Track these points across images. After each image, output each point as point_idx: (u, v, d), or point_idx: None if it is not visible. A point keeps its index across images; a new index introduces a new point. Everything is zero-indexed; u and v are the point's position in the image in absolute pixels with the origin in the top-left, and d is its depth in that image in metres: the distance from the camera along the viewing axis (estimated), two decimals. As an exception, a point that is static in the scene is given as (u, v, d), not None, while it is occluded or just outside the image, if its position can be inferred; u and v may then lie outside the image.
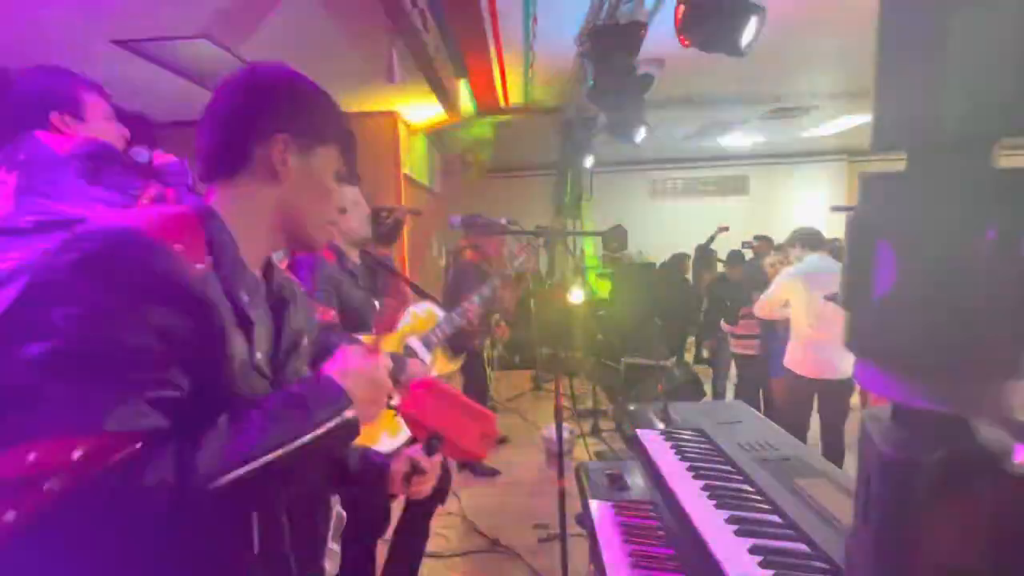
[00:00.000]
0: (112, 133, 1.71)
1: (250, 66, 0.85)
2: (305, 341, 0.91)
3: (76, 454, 0.59)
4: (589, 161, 6.26)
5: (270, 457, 0.67)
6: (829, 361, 3.12)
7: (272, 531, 0.79)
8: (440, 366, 2.17)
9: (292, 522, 0.82)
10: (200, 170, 0.83)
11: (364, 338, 1.92)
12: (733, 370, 4.61)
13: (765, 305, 3.49)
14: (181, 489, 0.62)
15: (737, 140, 7.06)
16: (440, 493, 2.21)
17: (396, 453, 1.02)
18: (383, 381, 0.82)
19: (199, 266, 0.70)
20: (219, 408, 0.70)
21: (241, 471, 0.65)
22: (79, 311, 0.63)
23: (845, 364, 3.09)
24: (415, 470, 0.99)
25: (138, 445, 0.62)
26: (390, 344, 1.98)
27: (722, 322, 4.43)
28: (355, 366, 0.79)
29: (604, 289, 6.65)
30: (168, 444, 0.64)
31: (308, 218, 0.85)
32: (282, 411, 0.71)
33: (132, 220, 0.70)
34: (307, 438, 0.70)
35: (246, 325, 0.75)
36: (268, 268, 0.88)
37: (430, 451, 0.98)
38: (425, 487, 1.00)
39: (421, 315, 2.08)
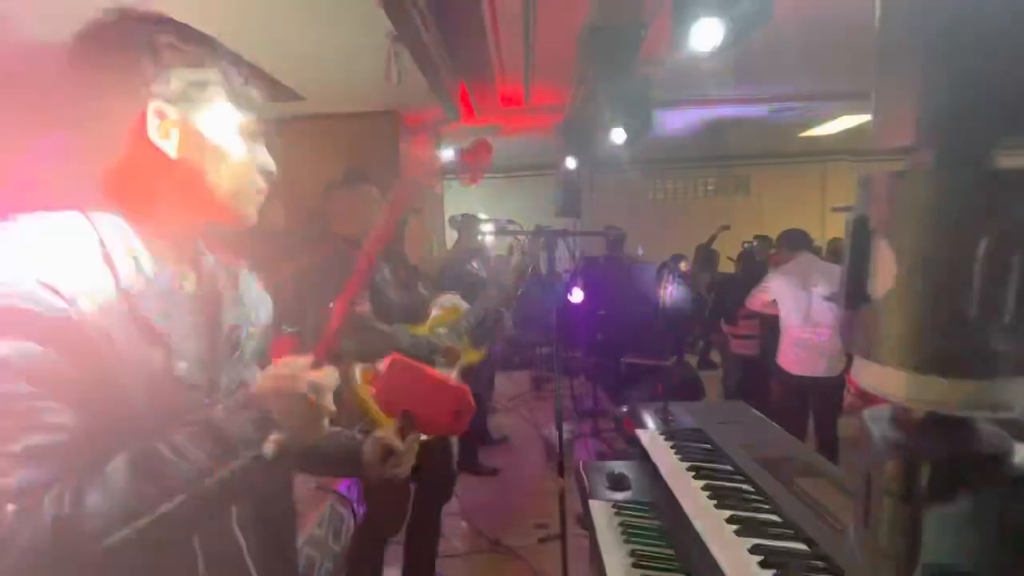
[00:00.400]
0: None
1: (95, 25, 0.69)
2: (249, 331, 0.81)
3: None
4: (589, 161, 6.25)
5: (171, 506, 0.58)
6: (815, 359, 3.21)
7: (226, 545, 0.73)
8: (468, 355, 2.25)
9: (246, 533, 0.75)
10: (78, 167, 0.72)
11: (412, 329, 2.00)
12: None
13: (753, 298, 3.60)
14: (61, 552, 0.54)
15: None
16: (446, 489, 2.21)
17: (370, 436, 0.98)
18: (321, 399, 0.69)
19: (71, 288, 0.60)
20: (128, 439, 0.61)
21: (136, 525, 0.57)
22: None
23: (830, 362, 3.18)
24: (389, 452, 0.94)
25: (9, 508, 0.54)
26: (422, 331, 2.05)
27: (722, 322, 4.44)
28: (287, 381, 0.68)
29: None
30: (44, 501, 0.56)
31: (220, 189, 0.73)
32: (184, 449, 0.61)
33: None
34: (220, 477, 0.61)
35: (156, 339, 0.66)
36: (198, 257, 0.78)
37: (403, 431, 0.94)
38: (401, 468, 0.95)
39: (449, 307, 2.16)
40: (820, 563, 0.95)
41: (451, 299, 2.22)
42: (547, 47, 3.89)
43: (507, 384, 5.72)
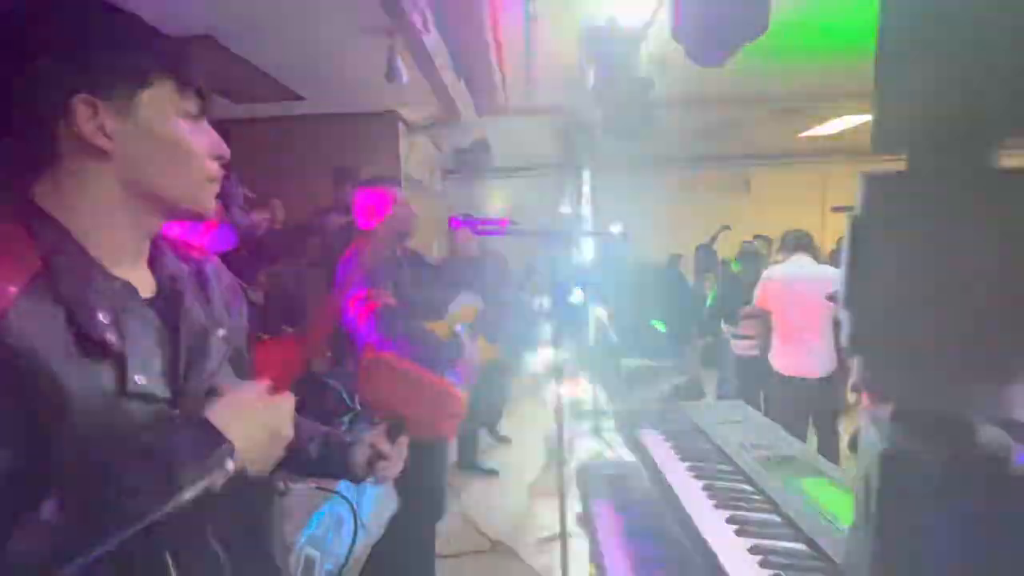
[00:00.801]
0: None
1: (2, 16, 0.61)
2: (219, 334, 0.74)
3: None
4: (589, 161, 6.26)
5: (117, 537, 0.53)
6: (808, 359, 3.21)
7: (206, 559, 0.68)
8: (485, 351, 2.31)
9: (225, 544, 0.70)
10: (6, 170, 0.64)
11: (431, 326, 2.02)
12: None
13: (754, 311, 3.58)
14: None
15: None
16: (435, 507, 2.18)
17: (358, 439, 0.96)
18: (279, 427, 0.68)
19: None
20: (70, 466, 0.56)
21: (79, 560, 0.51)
22: None
23: (823, 362, 3.18)
24: (378, 455, 0.92)
25: None
26: (441, 331, 2.06)
27: (722, 323, 4.44)
28: (245, 407, 0.65)
29: None
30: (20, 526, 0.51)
31: (169, 185, 0.67)
32: (136, 473, 0.56)
33: None
34: (168, 507, 0.55)
35: (105, 352, 0.59)
36: (155, 257, 0.72)
37: (392, 434, 0.92)
38: (390, 471, 0.93)
39: (468, 305, 2.21)
40: (820, 563, 0.95)
41: (472, 297, 2.26)
42: (547, 47, 3.90)
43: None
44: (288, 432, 0.70)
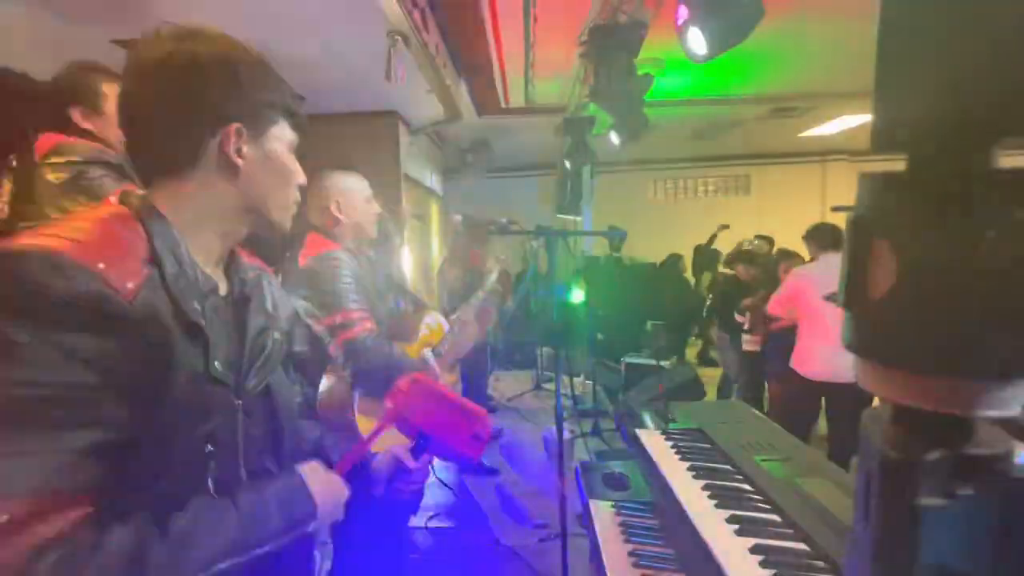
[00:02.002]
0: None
1: (176, 41, 0.72)
2: (275, 337, 0.84)
3: (1, 519, 0.51)
4: (589, 161, 6.26)
5: (228, 563, 0.65)
6: (838, 364, 3.01)
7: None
8: (445, 378, 2.14)
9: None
10: (137, 168, 0.76)
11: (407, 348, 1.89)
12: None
13: (775, 303, 3.44)
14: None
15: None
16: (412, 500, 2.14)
17: (382, 451, 0.98)
18: (342, 504, 0.83)
19: (129, 284, 0.62)
20: (168, 436, 0.65)
21: (198, 568, 0.62)
22: None
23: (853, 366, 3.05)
24: (401, 470, 0.94)
25: (83, 512, 0.56)
26: (412, 352, 1.94)
27: (736, 315, 4.28)
28: (329, 485, 0.80)
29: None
30: (129, 527, 0.59)
31: (272, 205, 0.80)
32: (255, 518, 0.69)
33: (37, 239, 0.61)
34: (268, 547, 0.69)
35: (197, 335, 0.69)
36: (230, 263, 0.82)
37: (417, 451, 0.93)
38: (411, 488, 0.96)
39: (433, 326, 2.07)
40: (820, 563, 0.95)
41: (436, 317, 2.12)
42: (547, 47, 3.90)
43: (507, 384, 5.72)
44: (341, 510, 0.84)
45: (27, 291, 0.56)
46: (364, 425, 1.71)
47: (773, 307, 3.49)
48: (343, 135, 4.29)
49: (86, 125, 1.63)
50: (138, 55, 0.72)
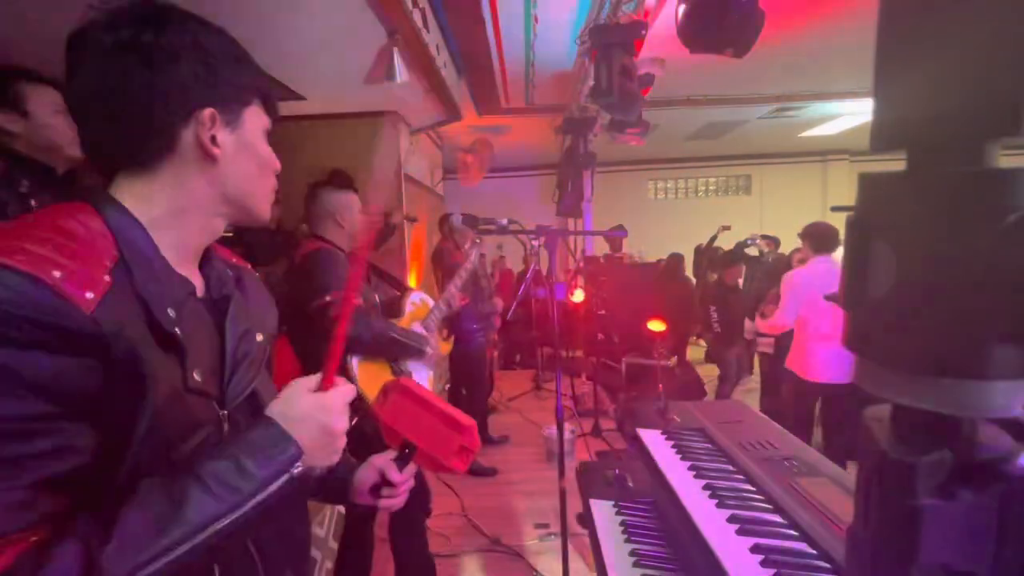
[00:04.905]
0: (62, 129, 1.52)
1: (135, 21, 0.64)
2: (258, 339, 0.77)
3: None
4: (589, 161, 6.26)
5: (203, 536, 0.56)
6: (834, 365, 3.02)
7: (242, 563, 0.70)
8: (441, 346, 2.36)
9: (260, 548, 0.72)
10: (98, 162, 0.67)
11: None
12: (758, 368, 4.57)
13: (777, 320, 3.33)
14: None
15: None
16: (422, 506, 2.17)
17: (365, 461, 0.93)
18: (336, 424, 0.69)
19: (89, 294, 0.55)
20: (143, 456, 0.58)
21: (167, 558, 0.54)
22: None
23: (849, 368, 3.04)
24: (385, 481, 0.89)
25: (32, 539, 0.51)
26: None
27: (758, 317, 4.07)
28: (303, 409, 0.67)
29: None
30: (70, 539, 0.51)
31: (250, 194, 0.73)
32: (220, 478, 0.58)
33: None
34: (248, 506, 0.59)
35: (172, 345, 0.62)
36: (205, 261, 0.75)
37: (402, 462, 0.88)
38: (395, 501, 0.90)
39: (419, 303, 2.27)
40: (820, 563, 0.95)
41: (421, 296, 2.30)
42: (547, 47, 3.90)
43: (507, 384, 5.72)
44: (342, 426, 0.70)
45: None
46: (365, 379, 1.88)
47: (781, 325, 3.37)
48: (343, 135, 4.29)
49: (9, 128, 1.52)
50: (89, 40, 0.63)
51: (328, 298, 1.78)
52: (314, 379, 0.71)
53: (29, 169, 1.51)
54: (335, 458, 0.71)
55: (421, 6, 2.93)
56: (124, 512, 0.54)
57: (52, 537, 0.51)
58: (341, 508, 2.26)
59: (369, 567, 2.16)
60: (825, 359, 3.07)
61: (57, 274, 0.53)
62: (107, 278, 0.58)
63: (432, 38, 3.26)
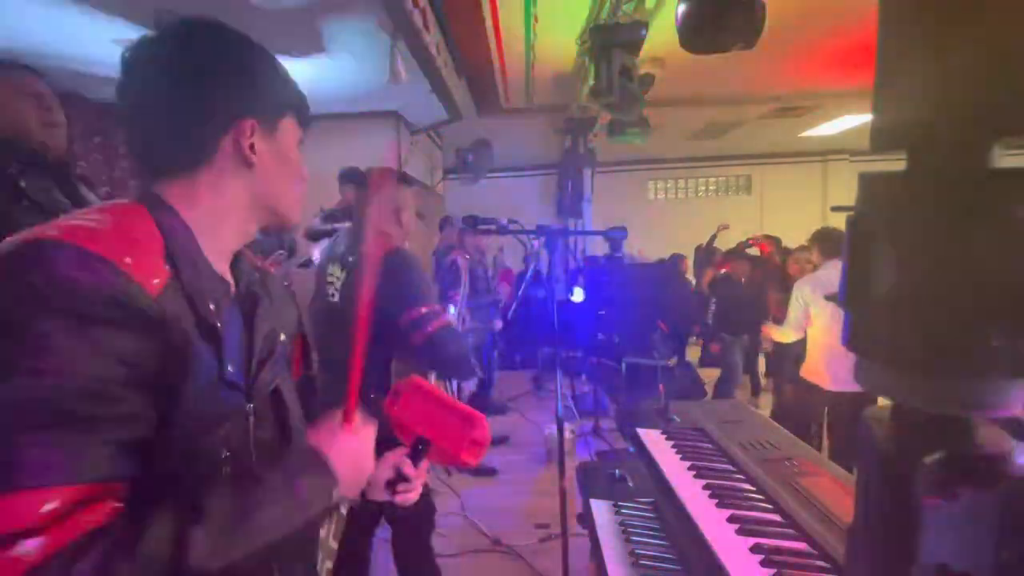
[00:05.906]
0: (28, 112, 1.49)
1: (181, 38, 0.71)
2: (281, 338, 0.82)
3: (48, 507, 0.50)
4: (589, 161, 6.26)
5: (264, 542, 0.61)
6: (849, 373, 2.94)
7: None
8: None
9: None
10: (145, 166, 0.73)
11: None
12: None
13: (789, 328, 3.27)
14: (178, 569, 0.54)
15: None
16: (427, 521, 2.15)
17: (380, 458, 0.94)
18: (367, 464, 0.79)
19: (155, 281, 0.60)
20: (182, 441, 0.63)
21: (239, 554, 0.59)
22: (11, 344, 0.53)
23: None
24: (399, 477, 0.91)
25: (119, 504, 0.55)
26: None
27: (770, 322, 3.96)
28: (348, 447, 0.74)
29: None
30: (166, 512, 0.56)
31: (283, 199, 0.78)
32: (283, 494, 0.65)
33: (62, 231, 0.58)
34: (299, 523, 0.65)
35: (213, 338, 0.67)
36: (235, 261, 0.80)
37: (416, 457, 0.90)
38: (410, 496, 0.93)
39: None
40: (820, 563, 0.95)
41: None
42: (547, 47, 3.90)
43: (507, 384, 5.72)
44: (371, 465, 0.80)
45: (55, 282, 0.55)
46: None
47: (786, 335, 3.33)
48: (343, 135, 4.30)
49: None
50: (140, 55, 0.69)
51: (424, 310, 1.69)
52: (339, 414, 0.77)
53: (13, 148, 1.49)
54: (358, 492, 0.79)
55: (421, 6, 2.93)
56: (213, 505, 0.59)
57: (139, 512, 0.56)
58: (342, 509, 2.25)
59: (367, 571, 2.16)
60: (836, 366, 2.99)
61: (129, 260, 0.58)
62: (167, 268, 0.63)
63: (432, 38, 3.26)
